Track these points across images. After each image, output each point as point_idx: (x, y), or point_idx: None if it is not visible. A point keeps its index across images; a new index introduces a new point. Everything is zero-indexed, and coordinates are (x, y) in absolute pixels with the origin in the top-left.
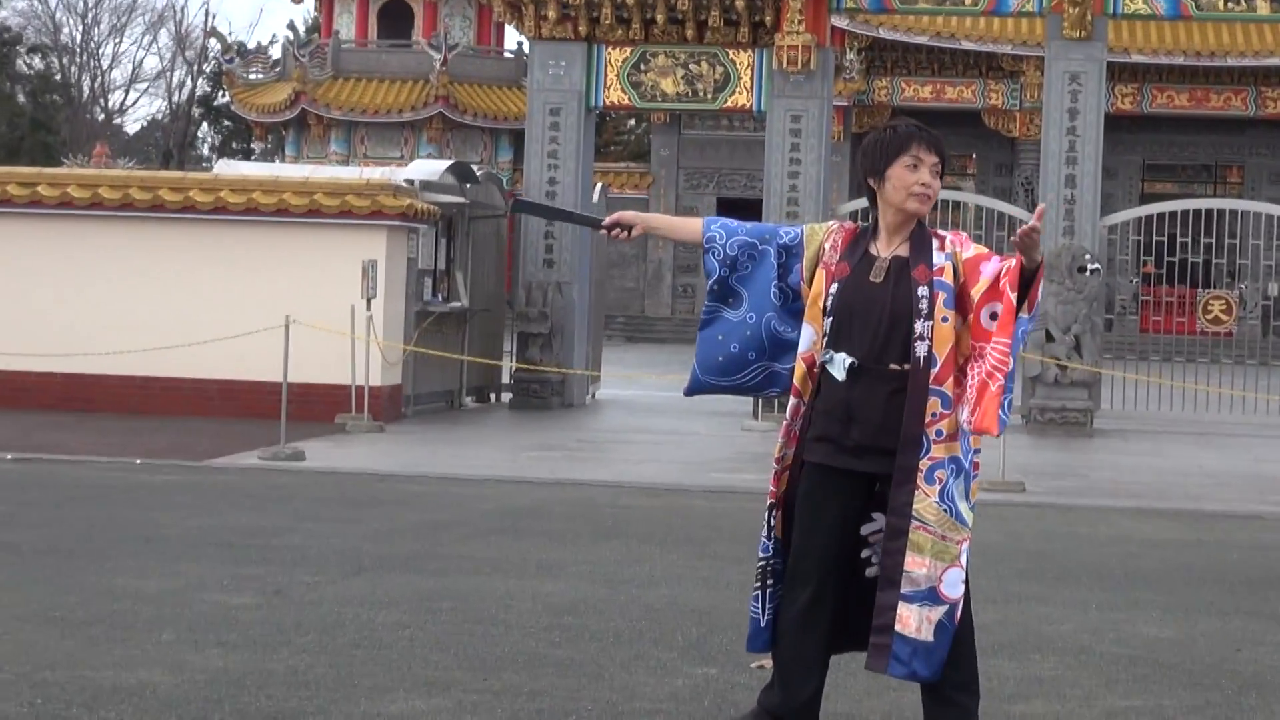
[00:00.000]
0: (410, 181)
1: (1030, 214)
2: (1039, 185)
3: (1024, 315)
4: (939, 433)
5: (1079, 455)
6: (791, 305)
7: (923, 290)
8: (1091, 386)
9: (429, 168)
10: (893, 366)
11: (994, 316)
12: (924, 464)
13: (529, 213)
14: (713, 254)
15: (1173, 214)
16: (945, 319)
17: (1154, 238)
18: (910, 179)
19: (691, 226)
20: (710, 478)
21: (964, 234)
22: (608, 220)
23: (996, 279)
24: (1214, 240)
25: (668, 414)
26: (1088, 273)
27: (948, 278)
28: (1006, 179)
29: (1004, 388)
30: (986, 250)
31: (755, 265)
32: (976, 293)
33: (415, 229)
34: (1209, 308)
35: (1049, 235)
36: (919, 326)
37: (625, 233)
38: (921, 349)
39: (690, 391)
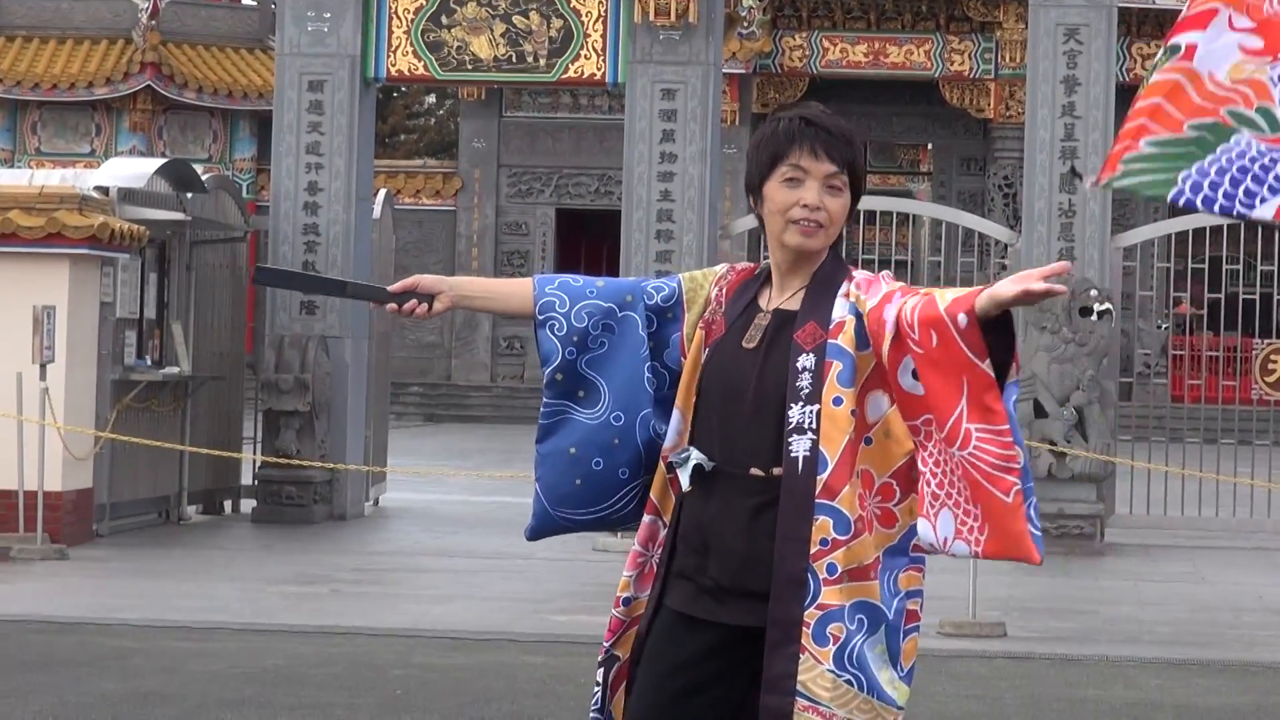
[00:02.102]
0: (104, 190)
1: (1014, 230)
2: (1024, 188)
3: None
4: (832, 569)
5: (1084, 582)
6: (672, 393)
7: (804, 360)
8: (1102, 482)
9: (132, 169)
10: (754, 471)
11: (916, 376)
12: (810, 615)
13: (279, 285)
14: (550, 328)
15: (1215, 229)
16: (839, 401)
17: (1190, 264)
18: (786, 200)
19: (520, 291)
20: (548, 621)
21: (879, 275)
22: (397, 286)
23: (901, 324)
24: (1276, 267)
25: (486, 528)
26: (1095, 316)
27: (847, 341)
28: (977, 179)
29: (1024, 493)
30: (894, 287)
31: (615, 339)
32: (888, 351)
33: (112, 259)
34: (1270, 365)
35: (1037, 261)
36: (795, 413)
37: (424, 305)
38: (800, 446)
39: (536, 533)
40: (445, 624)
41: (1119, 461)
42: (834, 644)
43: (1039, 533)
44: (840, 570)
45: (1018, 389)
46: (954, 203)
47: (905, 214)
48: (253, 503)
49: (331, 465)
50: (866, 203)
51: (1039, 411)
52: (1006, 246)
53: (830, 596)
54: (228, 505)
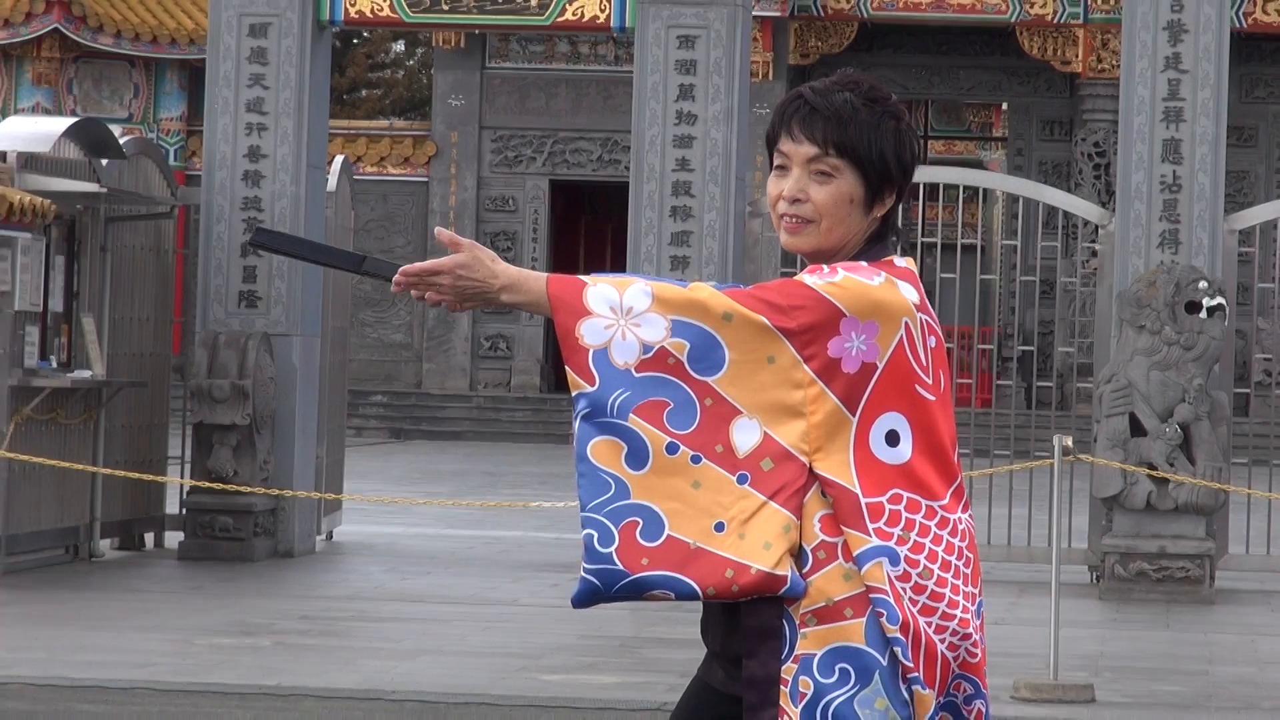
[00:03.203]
0: (2, 155)
1: (1106, 209)
2: (1118, 157)
3: (576, 391)
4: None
5: (1189, 636)
6: None
7: None
8: (1211, 514)
9: (35, 130)
10: None
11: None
12: (788, 669)
13: (280, 252)
14: None
15: None
16: None
17: None
18: (773, 193)
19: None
20: (537, 681)
21: (845, 264)
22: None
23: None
24: None
25: (463, 568)
26: (1204, 313)
27: None
28: (1062, 146)
29: (580, 521)
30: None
31: None
32: None
33: (10, 239)
34: None
35: (1134, 246)
36: None
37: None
38: None
39: (588, 598)
40: (412, 684)
41: (1233, 490)
42: (801, 701)
43: (583, 573)
44: (804, 611)
45: (581, 401)
46: (1034, 175)
47: (974, 188)
48: (180, 536)
49: (276, 491)
50: (927, 174)
51: (1136, 428)
52: (1097, 228)
53: (802, 645)
54: (149, 539)
